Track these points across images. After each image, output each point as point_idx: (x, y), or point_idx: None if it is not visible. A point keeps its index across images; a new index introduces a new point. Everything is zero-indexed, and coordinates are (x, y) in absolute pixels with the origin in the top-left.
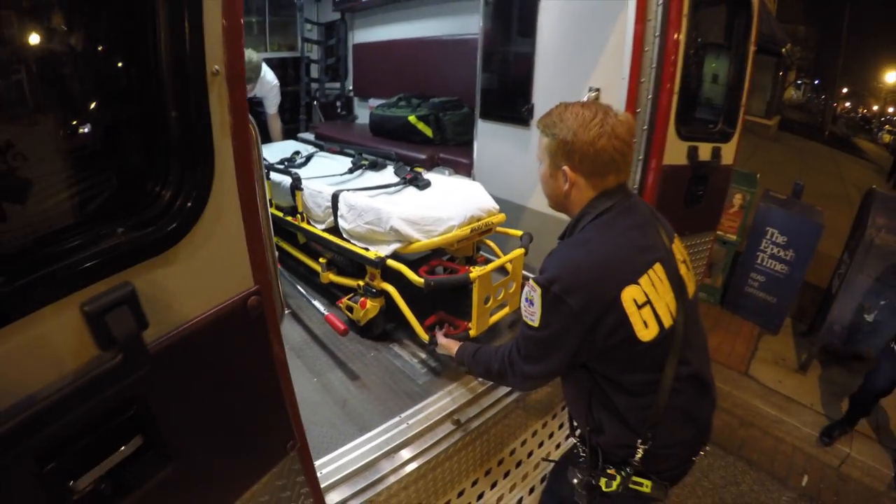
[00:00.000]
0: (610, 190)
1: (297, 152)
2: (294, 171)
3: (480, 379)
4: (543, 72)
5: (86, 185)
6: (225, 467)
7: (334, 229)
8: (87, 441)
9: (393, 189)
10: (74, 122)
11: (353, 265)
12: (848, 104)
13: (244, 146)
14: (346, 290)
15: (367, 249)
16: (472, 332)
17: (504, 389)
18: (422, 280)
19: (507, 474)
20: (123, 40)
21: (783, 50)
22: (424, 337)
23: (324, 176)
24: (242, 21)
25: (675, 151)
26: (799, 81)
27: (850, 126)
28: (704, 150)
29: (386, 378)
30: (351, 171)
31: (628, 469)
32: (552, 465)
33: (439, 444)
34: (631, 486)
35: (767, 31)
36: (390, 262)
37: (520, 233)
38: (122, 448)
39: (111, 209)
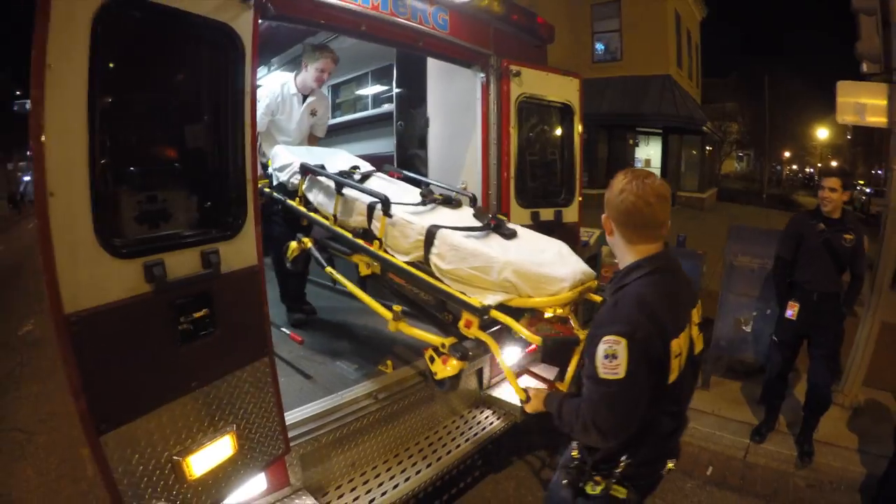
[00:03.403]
0: (659, 252)
1: (356, 167)
2: (381, 193)
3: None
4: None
5: (200, 211)
6: (237, 343)
7: (413, 263)
8: (187, 304)
9: (479, 234)
10: (193, 191)
11: (433, 315)
12: (794, 166)
13: (256, 205)
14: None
15: (463, 294)
16: (563, 387)
17: (411, 383)
18: (538, 338)
19: (421, 450)
20: (222, 163)
21: (704, 128)
22: (522, 396)
23: (396, 203)
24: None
25: (520, 215)
26: (740, 154)
27: (794, 186)
28: (547, 213)
29: (330, 375)
30: (423, 202)
31: (612, 479)
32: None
33: (361, 411)
34: (611, 492)
35: (685, 113)
36: (495, 312)
37: (600, 298)
38: (199, 312)
39: (213, 223)
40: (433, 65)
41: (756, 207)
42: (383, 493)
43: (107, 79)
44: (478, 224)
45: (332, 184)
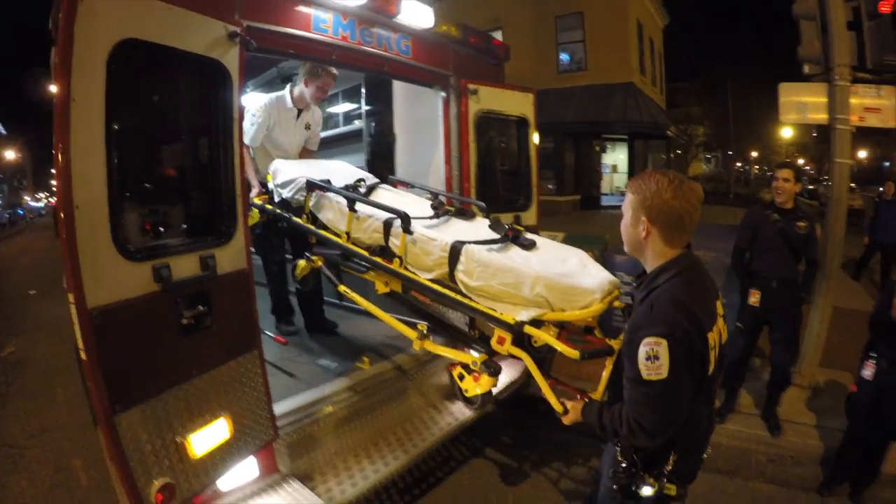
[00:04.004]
0: (684, 252)
1: (361, 179)
2: (399, 209)
3: None
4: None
5: (198, 222)
6: (231, 337)
7: (436, 280)
8: (189, 301)
9: (498, 246)
10: (192, 204)
11: (456, 331)
12: (764, 166)
13: (245, 216)
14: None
15: (492, 310)
16: (596, 396)
17: (387, 377)
18: (576, 352)
19: (398, 439)
20: (216, 180)
21: (668, 132)
22: (560, 409)
23: (413, 218)
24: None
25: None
26: (708, 156)
27: (761, 185)
28: (506, 218)
29: (312, 373)
30: (437, 215)
31: (663, 478)
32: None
33: (342, 402)
34: (664, 492)
35: (649, 119)
36: (529, 328)
37: (622, 304)
38: (199, 309)
39: (209, 231)
40: (398, 85)
41: (723, 207)
42: (365, 478)
43: (119, 109)
44: (495, 236)
45: (342, 200)
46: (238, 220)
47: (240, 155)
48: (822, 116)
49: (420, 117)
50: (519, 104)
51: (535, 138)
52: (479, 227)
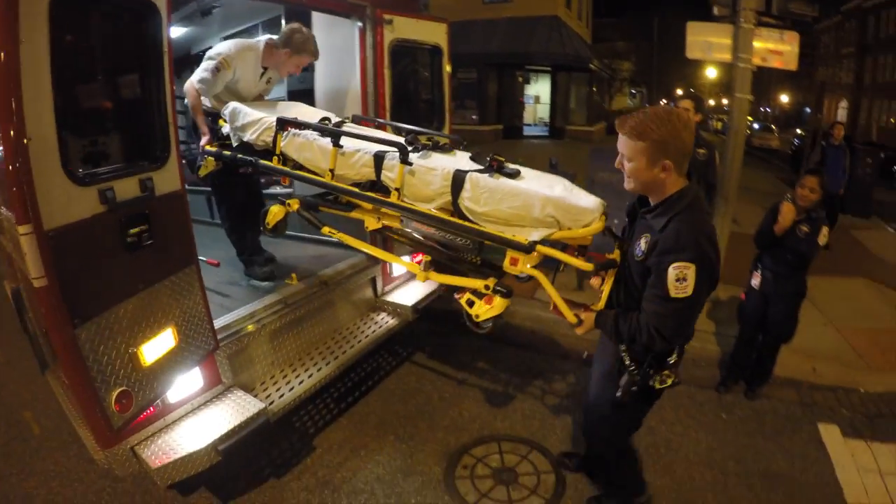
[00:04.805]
0: (690, 182)
1: (327, 118)
2: (398, 141)
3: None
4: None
5: (136, 148)
6: (171, 253)
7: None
8: (132, 220)
9: (486, 175)
10: (130, 132)
11: (456, 260)
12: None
13: (177, 142)
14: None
15: (502, 233)
16: (598, 308)
17: (313, 290)
18: (590, 265)
19: (328, 347)
20: (150, 109)
21: (591, 66)
22: (573, 320)
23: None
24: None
25: None
26: (633, 91)
27: None
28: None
29: (245, 293)
30: (415, 149)
31: (671, 369)
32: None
33: (275, 314)
34: (673, 381)
35: (572, 52)
36: (541, 247)
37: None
38: (141, 227)
39: (146, 155)
40: (317, 15)
41: None
42: (300, 382)
43: (63, 48)
44: (479, 167)
45: (321, 137)
46: (171, 146)
47: (170, 87)
48: (725, 56)
49: (338, 46)
50: (433, 33)
51: (448, 66)
52: (461, 159)
